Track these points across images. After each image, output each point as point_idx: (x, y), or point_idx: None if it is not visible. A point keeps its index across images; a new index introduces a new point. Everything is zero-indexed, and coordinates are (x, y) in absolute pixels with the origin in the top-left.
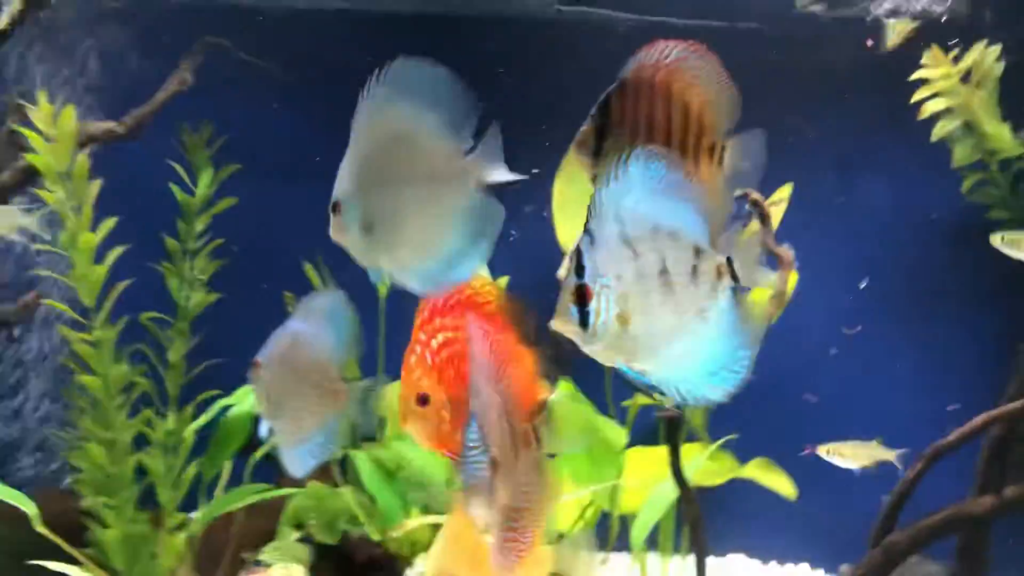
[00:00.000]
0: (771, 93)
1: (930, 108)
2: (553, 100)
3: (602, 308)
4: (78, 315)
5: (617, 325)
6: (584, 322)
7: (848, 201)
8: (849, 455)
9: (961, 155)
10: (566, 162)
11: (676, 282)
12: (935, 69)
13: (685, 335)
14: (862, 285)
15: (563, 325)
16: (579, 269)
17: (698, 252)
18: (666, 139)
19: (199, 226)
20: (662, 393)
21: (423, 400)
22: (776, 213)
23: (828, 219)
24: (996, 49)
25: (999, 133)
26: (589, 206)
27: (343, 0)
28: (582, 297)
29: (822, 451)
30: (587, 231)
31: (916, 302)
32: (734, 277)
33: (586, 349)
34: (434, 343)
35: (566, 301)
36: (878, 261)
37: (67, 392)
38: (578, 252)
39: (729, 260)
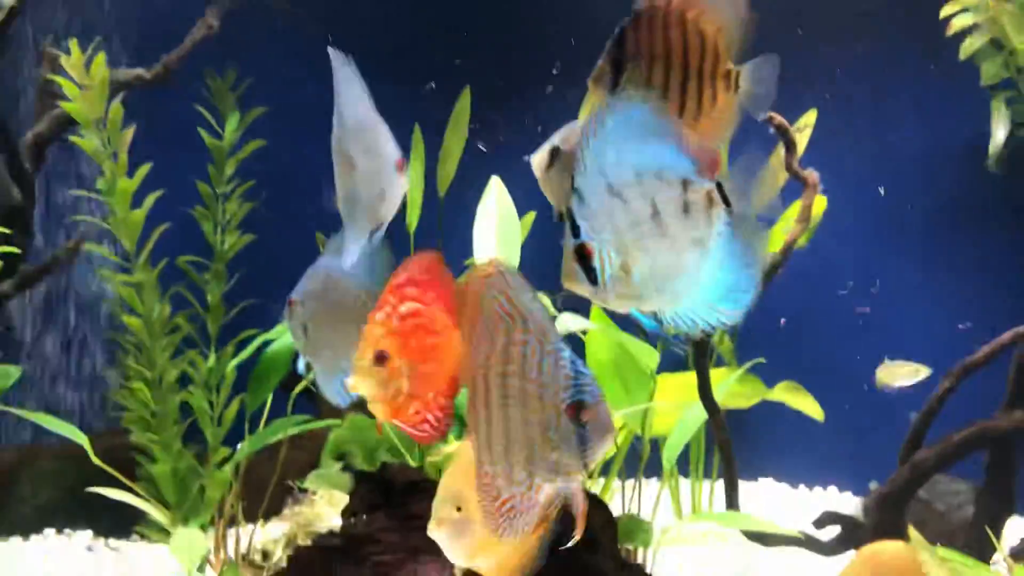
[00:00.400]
0: (796, 16)
1: (958, 24)
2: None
3: (605, 262)
4: (119, 258)
5: (622, 274)
6: (592, 279)
7: (876, 124)
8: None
9: (989, 73)
10: (587, 100)
11: (669, 221)
12: None
13: (688, 268)
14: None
15: (573, 285)
16: (575, 229)
17: (686, 185)
18: (682, 68)
19: (228, 170)
20: (668, 341)
21: (381, 357)
22: (802, 138)
23: (858, 143)
24: None
25: None
26: (573, 166)
27: None
28: (584, 256)
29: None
30: (575, 190)
31: (945, 223)
32: (726, 201)
33: (599, 303)
34: (402, 309)
35: (570, 262)
36: (907, 183)
37: (113, 333)
38: (570, 212)
39: (719, 185)
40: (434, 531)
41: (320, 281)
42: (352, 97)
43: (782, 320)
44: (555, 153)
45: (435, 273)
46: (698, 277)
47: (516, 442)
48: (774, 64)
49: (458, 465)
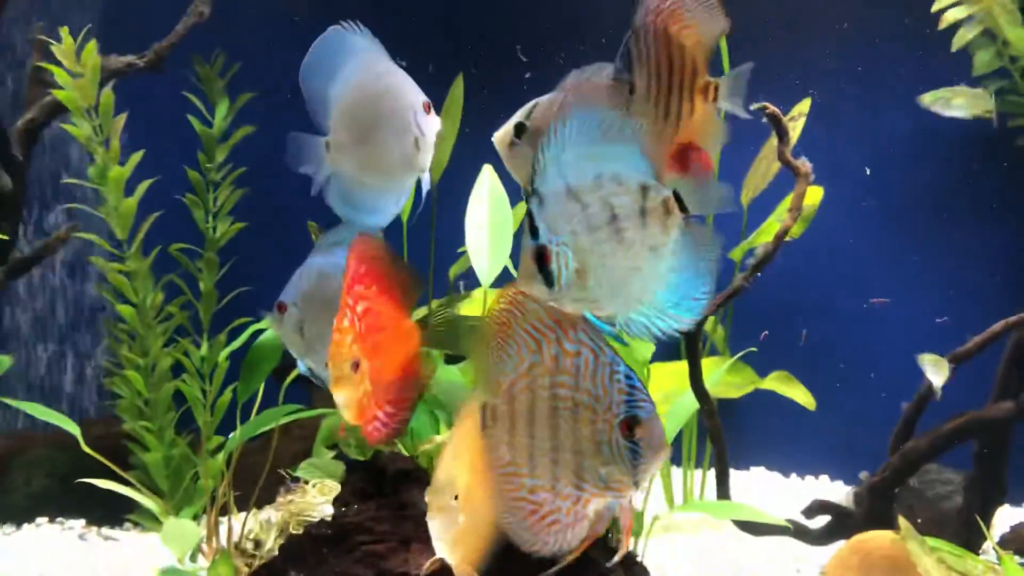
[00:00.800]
0: (793, 5)
1: (950, 17)
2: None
3: (561, 265)
4: (111, 247)
5: (578, 278)
6: (549, 282)
7: (868, 113)
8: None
9: (981, 63)
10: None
11: (626, 226)
12: None
13: (643, 274)
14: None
15: (530, 286)
16: (533, 230)
17: (644, 190)
18: (666, 80)
19: (219, 157)
20: (621, 340)
21: (356, 365)
22: (795, 128)
23: (849, 132)
24: None
25: (1021, 40)
26: (532, 168)
27: None
28: (541, 258)
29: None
30: (535, 192)
31: (936, 213)
32: (683, 209)
33: (555, 305)
34: (359, 309)
35: (528, 263)
36: (898, 173)
37: (106, 322)
38: (530, 214)
39: (676, 193)
40: (432, 519)
41: (313, 280)
42: (372, 56)
43: (803, 333)
44: (519, 129)
45: (376, 260)
46: (653, 284)
47: (565, 455)
48: (747, 75)
49: (454, 451)
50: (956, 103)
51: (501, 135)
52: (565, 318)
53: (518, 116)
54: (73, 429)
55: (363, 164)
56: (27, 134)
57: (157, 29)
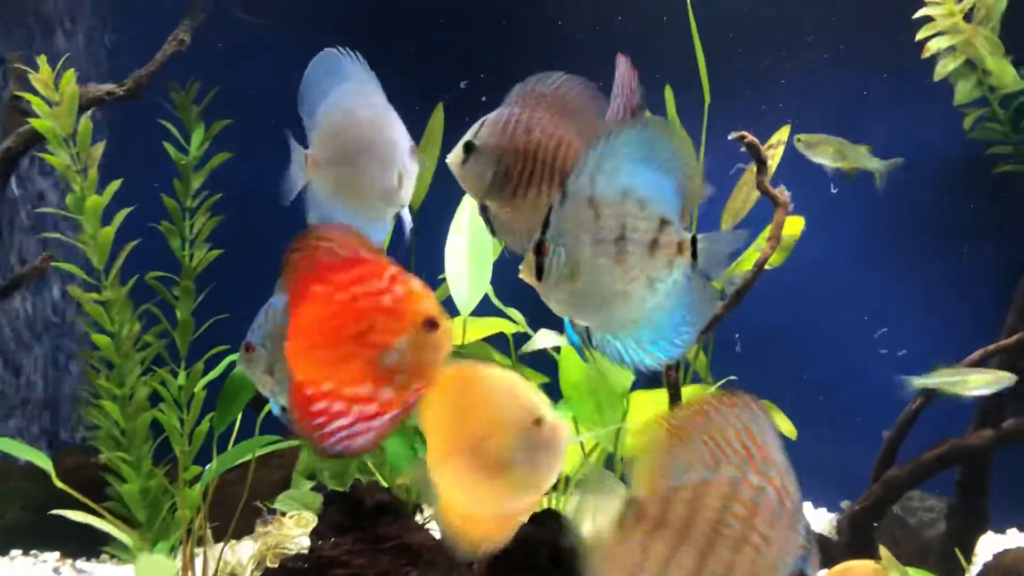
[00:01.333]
0: (774, 33)
1: (933, 47)
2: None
3: (555, 263)
4: (88, 276)
5: (567, 280)
6: (539, 274)
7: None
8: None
9: (963, 92)
10: None
11: (632, 250)
12: (939, 7)
13: (632, 302)
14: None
15: (524, 273)
16: (545, 224)
17: (663, 224)
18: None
19: (195, 184)
20: (587, 350)
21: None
22: (774, 155)
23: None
24: None
25: (1002, 70)
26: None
27: None
28: (540, 251)
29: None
30: (562, 189)
31: (917, 240)
32: (694, 256)
33: (542, 296)
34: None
35: (530, 253)
36: (879, 199)
37: (82, 352)
38: (550, 208)
39: (695, 239)
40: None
41: (279, 319)
42: (369, 87)
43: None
44: (468, 147)
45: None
46: (639, 313)
47: None
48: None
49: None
50: (821, 150)
51: (452, 155)
52: (758, 448)
53: (468, 135)
54: (45, 464)
55: (340, 184)
56: (4, 163)
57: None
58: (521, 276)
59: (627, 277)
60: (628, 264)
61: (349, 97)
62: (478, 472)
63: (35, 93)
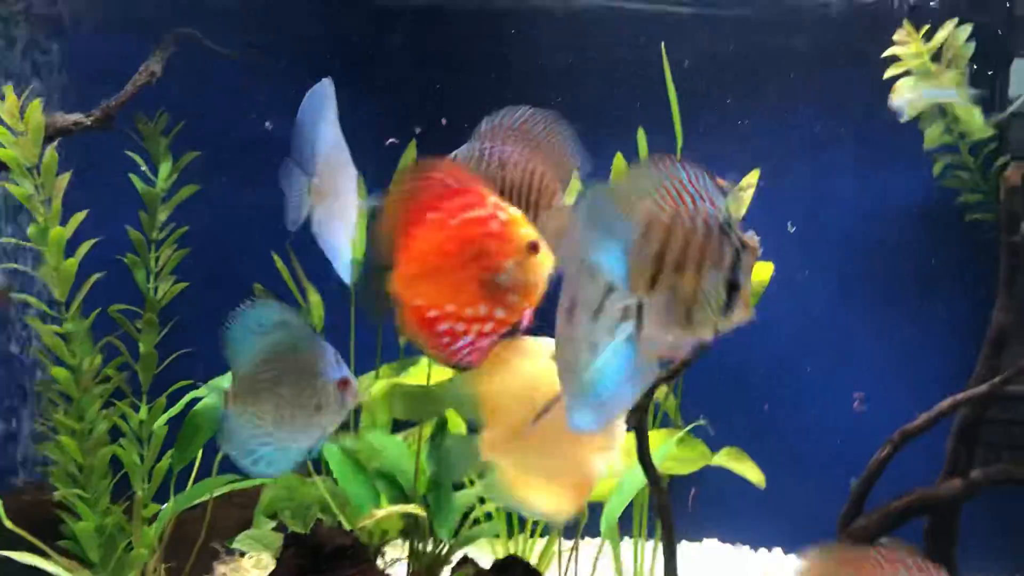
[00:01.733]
0: (742, 77)
1: (901, 87)
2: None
3: None
4: (48, 308)
5: None
6: None
7: (819, 186)
8: None
9: (931, 138)
10: None
11: (578, 313)
12: (906, 47)
13: (568, 357)
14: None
15: None
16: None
17: (609, 290)
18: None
19: (162, 216)
20: None
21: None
22: (743, 199)
23: (800, 205)
24: (966, 29)
25: (969, 116)
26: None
27: None
28: None
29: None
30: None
31: (888, 286)
32: (638, 324)
33: None
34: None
35: None
36: (849, 246)
37: (40, 384)
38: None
39: (640, 306)
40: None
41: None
42: (332, 123)
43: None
44: None
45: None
46: (573, 371)
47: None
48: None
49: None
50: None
51: None
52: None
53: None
54: None
55: (337, 210)
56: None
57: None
58: None
59: (572, 339)
60: (573, 327)
61: (321, 135)
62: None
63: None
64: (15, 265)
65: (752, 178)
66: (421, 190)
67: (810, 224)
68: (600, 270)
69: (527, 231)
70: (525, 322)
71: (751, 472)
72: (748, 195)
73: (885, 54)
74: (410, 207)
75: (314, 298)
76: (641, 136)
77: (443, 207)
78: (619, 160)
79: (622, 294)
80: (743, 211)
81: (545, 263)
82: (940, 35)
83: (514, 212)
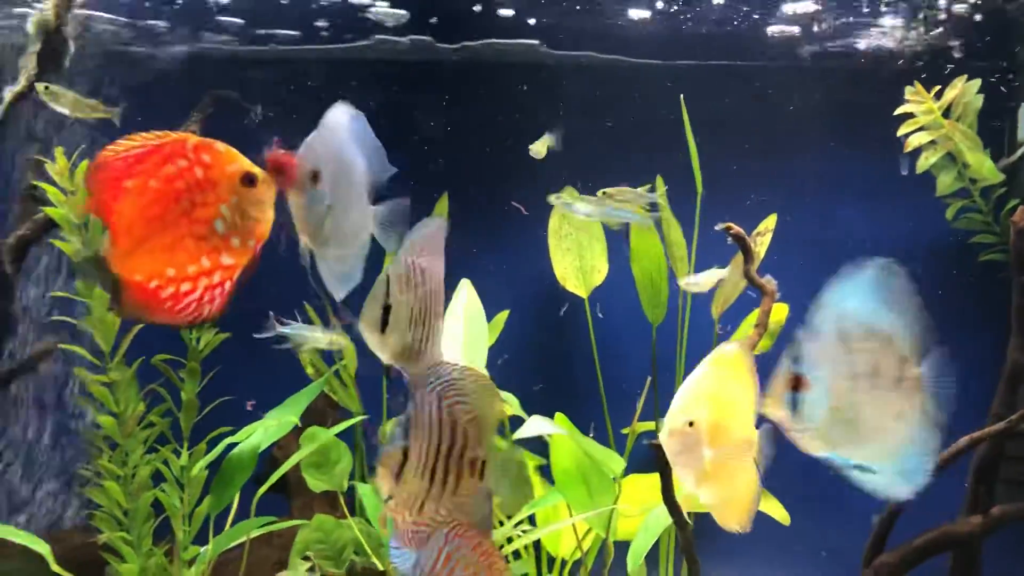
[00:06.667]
0: (762, 128)
1: (914, 141)
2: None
3: (817, 398)
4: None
5: (827, 417)
6: (796, 408)
7: (836, 230)
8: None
9: (944, 184)
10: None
11: (882, 384)
12: (918, 104)
13: (886, 434)
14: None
15: (772, 407)
16: (795, 358)
17: (903, 360)
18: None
19: None
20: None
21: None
22: (761, 244)
23: (816, 249)
24: (976, 83)
25: (980, 163)
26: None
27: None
28: (798, 385)
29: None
30: (806, 323)
31: None
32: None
33: (790, 432)
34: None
35: (780, 385)
36: None
37: (85, 431)
38: (794, 342)
39: (923, 376)
40: (664, 440)
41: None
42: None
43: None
44: (388, 310)
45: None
46: (889, 447)
47: None
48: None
49: (704, 378)
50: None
51: (370, 322)
52: None
53: (380, 298)
54: (42, 549)
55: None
56: (17, 249)
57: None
58: (766, 410)
59: (881, 411)
60: (882, 399)
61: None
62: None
63: (51, 183)
64: (67, 318)
65: (769, 223)
66: (113, 163)
67: (827, 266)
68: (895, 339)
69: (236, 165)
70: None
71: (775, 509)
72: (766, 239)
73: (898, 111)
74: (106, 184)
75: (346, 343)
76: (659, 184)
77: (140, 171)
78: (660, 184)
79: (913, 364)
80: (761, 253)
81: (264, 193)
82: (950, 93)
83: (221, 147)
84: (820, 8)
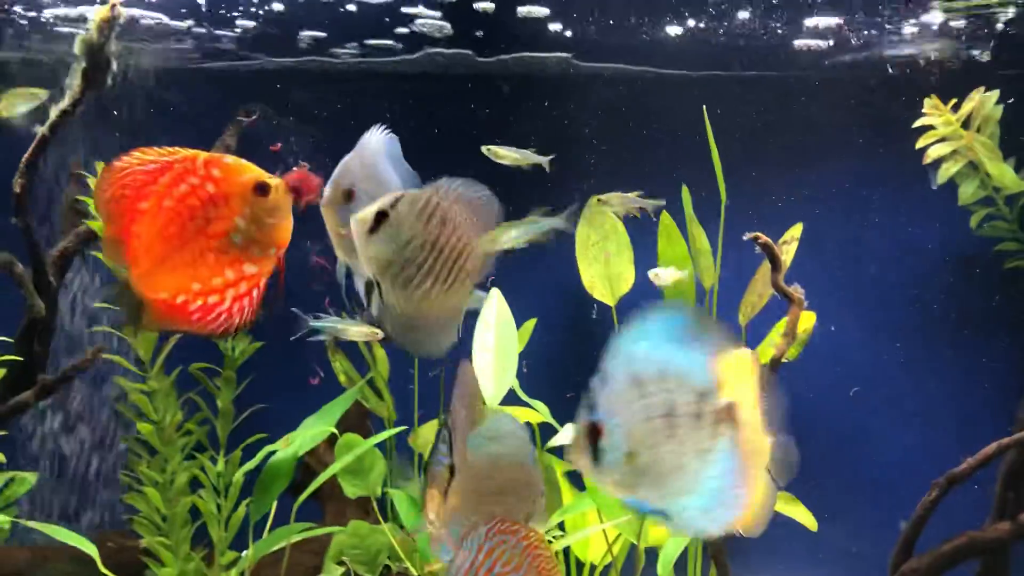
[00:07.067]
0: (787, 138)
1: (934, 153)
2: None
3: (613, 445)
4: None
5: (625, 462)
6: (596, 457)
7: (862, 239)
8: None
9: (966, 194)
10: (588, 207)
11: (680, 423)
12: (936, 117)
13: (686, 473)
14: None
15: (575, 458)
16: (591, 406)
17: (702, 395)
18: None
19: None
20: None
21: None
22: (787, 252)
23: (843, 257)
24: (995, 94)
25: (1002, 173)
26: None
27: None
28: (594, 434)
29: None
30: (601, 370)
31: (931, 334)
32: (734, 420)
33: (596, 482)
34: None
35: (579, 435)
36: (893, 295)
37: (125, 439)
38: (590, 390)
39: (732, 405)
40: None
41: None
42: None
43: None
44: (382, 216)
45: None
46: (692, 484)
47: None
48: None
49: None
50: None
51: (363, 217)
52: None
53: (383, 203)
54: (91, 550)
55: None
56: (61, 261)
57: None
58: (570, 460)
59: (681, 450)
60: (680, 438)
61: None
62: None
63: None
64: (109, 328)
65: (796, 231)
66: (125, 186)
67: (853, 275)
68: (688, 378)
69: (248, 176)
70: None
71: (802, 515)
72: (792, 247)
73: (917, 123)
74: (122, 206)
75: (379, 353)
76: (686, 194)
77: (153, 192)
78: (687, 194)
79: (715, 397)
80: (788, 262)
81: (279, 200)
82: (967, 106)
83: (231, 160)
84: (842, 22)
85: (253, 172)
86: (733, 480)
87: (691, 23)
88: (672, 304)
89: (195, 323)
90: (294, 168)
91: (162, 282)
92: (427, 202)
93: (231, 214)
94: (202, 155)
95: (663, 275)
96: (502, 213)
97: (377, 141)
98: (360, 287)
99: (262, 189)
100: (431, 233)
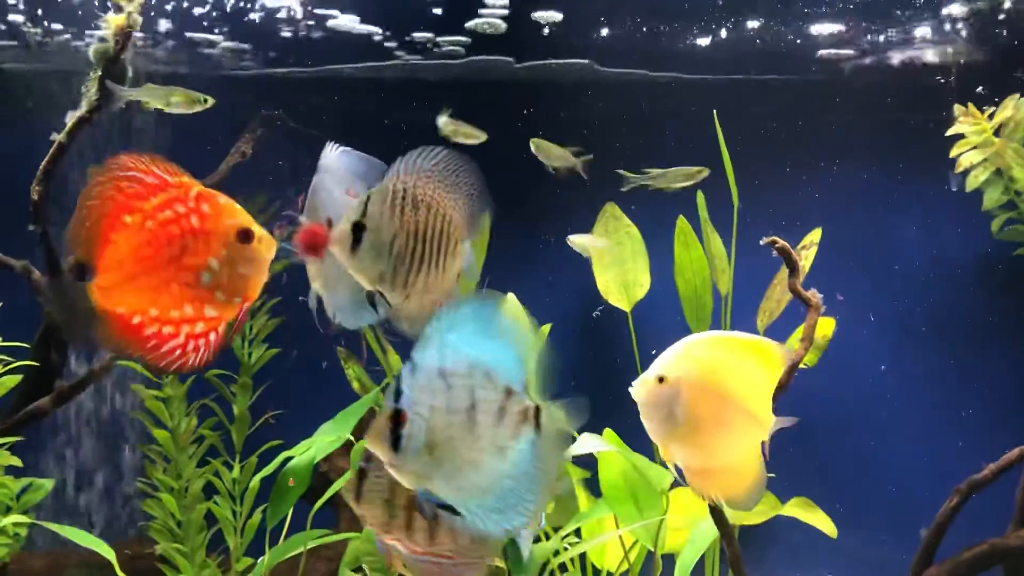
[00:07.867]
0: (809, 143)
1: (965, 162)
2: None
3: (413, 434)
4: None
5: (425, 452)
6: (396, 445)
7: (882, 243)
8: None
9: (991, 199)
10: (604, 213)
11: (481, 419)
12: (971, 125)
13: (482, 469)
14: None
15: (375, 444)
16: (397, 394)
17: (509, 394)
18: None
19: None
20: (456, 512)
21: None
22: (806, 257)
23: (863, 262)
24: None
25: None
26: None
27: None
28: (397, 421)
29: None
30: (410, 358)
31: (950, 339)
32: (538, 424)
33: (394, 470)
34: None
35: (381, 420)
36: (914, 299)
37: (141, 446)
38: (398, 377)
39: (538, 408)
40: (634, 389)
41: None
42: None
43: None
44: (358, 229)
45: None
46: (487, 482)
47: None
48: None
49: (699, 345)
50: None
51: (340, 237)
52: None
53: (353, 214)
54: (109, 554)
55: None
56: (79, 267)
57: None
58: (368, 446)
59: (479, 446)
60: (479, 434)
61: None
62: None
63: None
64: None
65: (815, 236)
66: (117, 191)
67: (873, 279)
68: (496, 374)
69: (235, 220)
70: (241, 316)
71: (822, 522)
72: (811, 252)
73: (950, 132)
74: (106, 211)
75: (393, 358)
76: (700, 199)
77: (141, 208)
78: (701, 199)
79: (521, 397)
80: (806, 267)
81: (260, 252)
82: (1002, 113)
83: (223, 200)
84: (849, 27)
85: (241, 218)
86: (527, 485)
87: (713, 27)
88: (488, 296)
89: (148, 350)
90: (290, 221)
91: (123, 297)
92: (394, 192)
93: (207, 252)
94: (198, 187)
95: (578, 241)
96: (462, 161)
97: (333, 161)
98: (333, 312)
99: (245, 236)
100: (409, 222)
